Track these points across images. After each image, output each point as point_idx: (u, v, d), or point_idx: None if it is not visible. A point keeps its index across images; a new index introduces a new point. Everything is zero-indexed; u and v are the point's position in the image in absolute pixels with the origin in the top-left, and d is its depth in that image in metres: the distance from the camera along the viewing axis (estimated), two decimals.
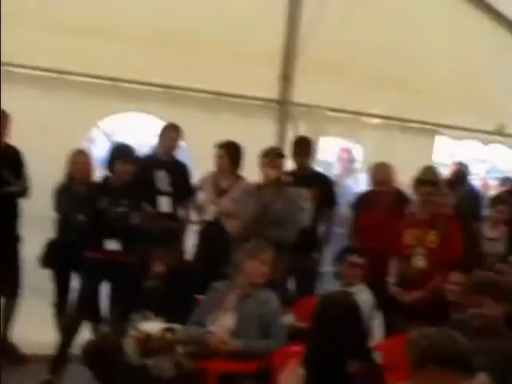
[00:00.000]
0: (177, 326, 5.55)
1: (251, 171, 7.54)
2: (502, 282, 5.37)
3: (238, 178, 7.65)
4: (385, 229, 7.28)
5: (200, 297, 6.24)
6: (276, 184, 7.10)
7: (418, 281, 6.85)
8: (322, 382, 3.97)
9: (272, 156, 7.17)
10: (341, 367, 3.92)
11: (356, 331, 4.11)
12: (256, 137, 8.67)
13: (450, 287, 6.17)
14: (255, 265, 5.87)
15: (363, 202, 7.78)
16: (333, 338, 3.95)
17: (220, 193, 7.59)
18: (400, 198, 7.67)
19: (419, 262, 6.91)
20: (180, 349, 5.46)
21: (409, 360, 3.33)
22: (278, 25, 8.92)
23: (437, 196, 7.15)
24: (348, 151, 9.89)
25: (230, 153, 7.56)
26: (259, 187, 7.16)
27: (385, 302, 6.88)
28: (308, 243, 7.59)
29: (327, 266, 8.22)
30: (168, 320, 5.64)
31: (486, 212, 8.47)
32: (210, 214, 7.56)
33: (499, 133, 10.71)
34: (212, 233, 7.49)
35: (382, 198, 7.53)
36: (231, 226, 7.25)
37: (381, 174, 7.64)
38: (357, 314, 4.18)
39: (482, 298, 5.13)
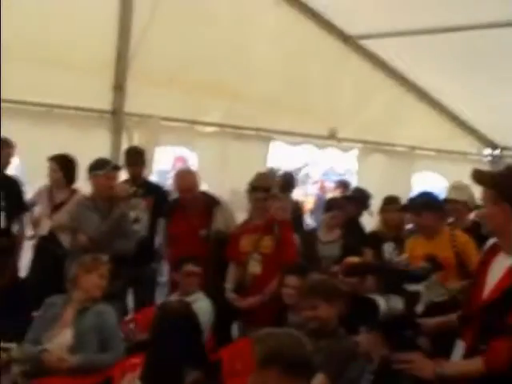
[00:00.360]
0: (12, 345, 5.41)
1: (85, 183, 7.45)
2: (336, 285, 5.54)
3: (74, 191, 7.54)
4: (196, 234, 7.32)
5: (36, 313, 6.11)
6: (115, 196, 7.03)
7: (254, 286, 6.92)
8: None
9: (109, 168, 7.10)
10: (178, 378, 3.92)
11: (193, 340, 4.12)
12: (91, 148, 8.58)
13: (285, 291, 6.27)
14: (92, 278, 5.80)
15: (173, 209, 7.70)
16: (169, 348, 3.94)
17: (55, 207, 7.46)
18: (208, 201, 7.61)
19: (255, 267, 6.98)
20: (16, 368, 5.33)
21: (254, 357, 3.38)
22: (109, 35, 8.83)
23: (271, 201, 7.25)
24: (183, 160, 9.92)
25: (63, 165, 7.44)
26: (95, 199, 7.07)
27: (223, 309, 6.93)
28: (145, 253, 7.54)
29: (165, 276, 8.25)
30: (3, 339, 5.47)
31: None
32: (44, 228, 7.40)
33: (332, 137, 11.00)
34: (47, 247, 7.33)
35: (190, 204, 7.46)
36: (70, 239, 7.16)
37: (185, 180, 7.52)
38: (193, 323, 4.18)
39: (317, 301, 5.27)
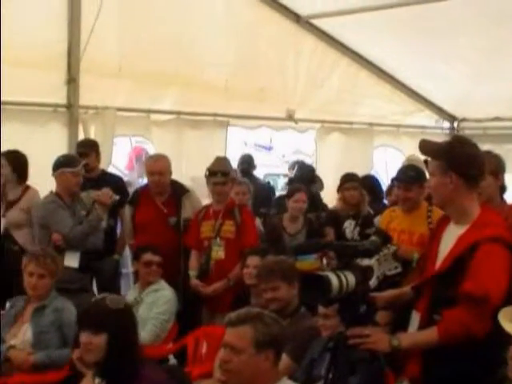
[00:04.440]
0: None
1: (42, 179, 7.41)
2: (293, 265, 5.57)
3: (27, 188, 7.50)
4: (165, 222, 7.30)
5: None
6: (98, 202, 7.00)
7: (217, 272, 6.93)
8: None
9: (77, 165, 7.04)
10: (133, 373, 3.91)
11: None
12: (48, 144, 8.57)
13: (247, 271, 6.29)
14: (25, 278, 5.74)
15: (139, 197, 7.61)
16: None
17: (8, 204, 7.40)
18: (176, 189, 7.54)
19: (218, 253, 6.99)
20: None
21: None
22: (59, 29, 8.76)
23: (229, 185, 7.25)
24: (140, 149, 9.88)
25: (11, 160, 7.37)
26: (61, 196, 7.00)
27: (188, 296, 6.95)
28: (107, 245, 7.50)
29: (130, 267, 8.24)
30: None
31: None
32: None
33: (290, 118, 11.01)
34: (2, 245, 7.30)
35: (158, 191, 7.41)
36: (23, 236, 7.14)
37: (158, 163, 7.45)
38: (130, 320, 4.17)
39: (276, 282, 5.31)
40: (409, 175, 6.34)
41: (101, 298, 4.23)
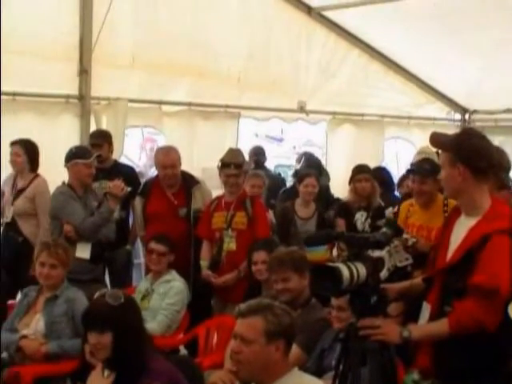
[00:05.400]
0: None
1: (54, 170, 7.46)
2: (304, 255, 5.58)
3: (36, 176, 7.55)
4: (175, 213, 7.30)
5: (12, 302, 6.15)
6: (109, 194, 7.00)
7: (229, 263, 6.94)
8: None
9: (90, 157, 7.06)
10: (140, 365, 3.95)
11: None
12: (60, 135, 8.61)
13: (256, 268, 6.30)
14: (37, 268, 5.80)
15: (150, 188, 7.59)
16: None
17: (17, 192, 7.46)
18: (187, 180, 7.51)
19: (229, 244, 7.00)
20: None
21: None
22: (72, 20, 8.75)
23: (242, 177, 7.26)
24: (152, 140, 9.88)
25: (27, 149, 7.44)
26: (73, 188, 7.02)
27: (198, 286, 6.98)
28: (119, 235, 7.53)
29: (141, 257, 8.27)
30: None
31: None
32: (8, 215, 7.42)
33: (301, 110, 11.02)
34: (9, 235, 7.37)
35: (169, 182, 7.40)
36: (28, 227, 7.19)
37: (168, 156, 7.40)
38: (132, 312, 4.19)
39: (287, 273, 5.33)
40: (424, 168, 6.29)
41: (100, 295, 4.25)
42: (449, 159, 3.82)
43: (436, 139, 3.96)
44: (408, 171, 7.19)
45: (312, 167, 9.59)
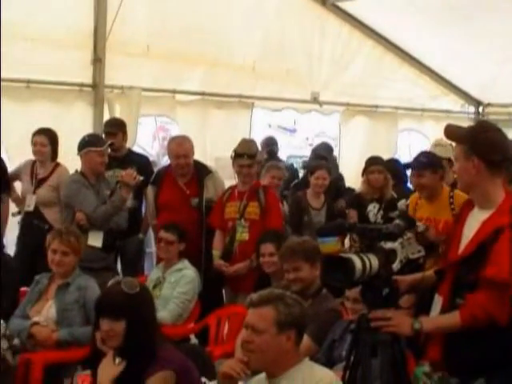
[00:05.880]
0: (0, 321, 5.45)
1: (67, 158, 7.49)
2: (316, 245, 5.58)
3: (57, 165, 7.55)
4: (187, 203, 7.30)
5: (24, 289, 6.16)
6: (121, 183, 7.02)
7: (241, 253, 6.94)
8: None
9: (103, 145, 7.08)
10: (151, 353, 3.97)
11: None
12: (73, 123, 8.63)
13: (264, 260, 6.31)
14: (49, 254, 5.79)
15: (163, 178, 7.56)
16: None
17: (39, 182, 7.46)
18: (199, 170, 7.49)
19: (242, 234, 7.00)
20: (4, 344, 5.37)
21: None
22: (86, 8, 8.76)
23: (255, 167, 7.26)
24: (165, 129, 9.87)
25: (52, 140, 7.45)
26: (85, 176, 7.03)
27: (209, 276, 6.99)
28: (132, 224, 7.54)
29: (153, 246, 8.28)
30: None
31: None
32: (30, 204, 7.41)
33: (315, 101, 11.00)
34: (32, 223, 7.37)
35: (182, 172, 7.38)
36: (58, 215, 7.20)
37: (181, 146, 7.37)
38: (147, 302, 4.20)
39: (298, 263, 5.32)
40: (420, 161, 6.30)
41: (116, 282, 4.26)
42: (464, 152, 3.81)
43: (451, 131, 3.95)
44: (405, 166, 7.23)
45: (320, 157, 9.55)
